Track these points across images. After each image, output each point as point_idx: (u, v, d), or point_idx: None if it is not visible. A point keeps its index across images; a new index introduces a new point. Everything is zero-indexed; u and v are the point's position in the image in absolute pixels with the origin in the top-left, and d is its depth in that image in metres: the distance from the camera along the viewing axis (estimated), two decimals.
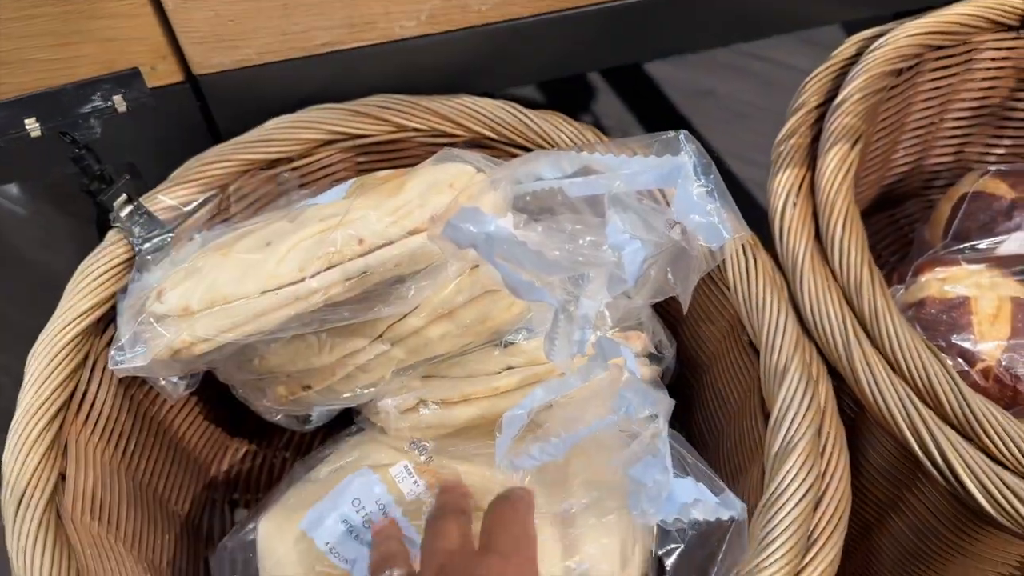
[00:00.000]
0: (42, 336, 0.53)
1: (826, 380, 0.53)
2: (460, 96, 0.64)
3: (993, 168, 0.73)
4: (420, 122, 0.63)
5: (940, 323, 0.61)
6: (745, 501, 0.47)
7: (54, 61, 0.57)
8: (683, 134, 0.47)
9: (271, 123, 0.62)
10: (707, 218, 0.45)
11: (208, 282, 0.50)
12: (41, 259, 0.71)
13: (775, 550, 0.45)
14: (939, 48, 0.69)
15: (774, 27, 0.74)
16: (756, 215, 0.58)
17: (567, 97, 1.40)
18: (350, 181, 0.60)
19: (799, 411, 0.50)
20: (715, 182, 0.47)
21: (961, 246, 0.68)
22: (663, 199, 0.54)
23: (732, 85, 1.42)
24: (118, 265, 0.56)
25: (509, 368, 0.57)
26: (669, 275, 0.49)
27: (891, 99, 0.70)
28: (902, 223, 0.84)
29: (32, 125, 0.56)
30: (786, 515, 0.46)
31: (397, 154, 0.65)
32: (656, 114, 1.40)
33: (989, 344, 0.61)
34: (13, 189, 0.95)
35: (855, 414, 0.56)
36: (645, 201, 0.48)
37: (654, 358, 0.61)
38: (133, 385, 0.58)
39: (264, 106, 0.63)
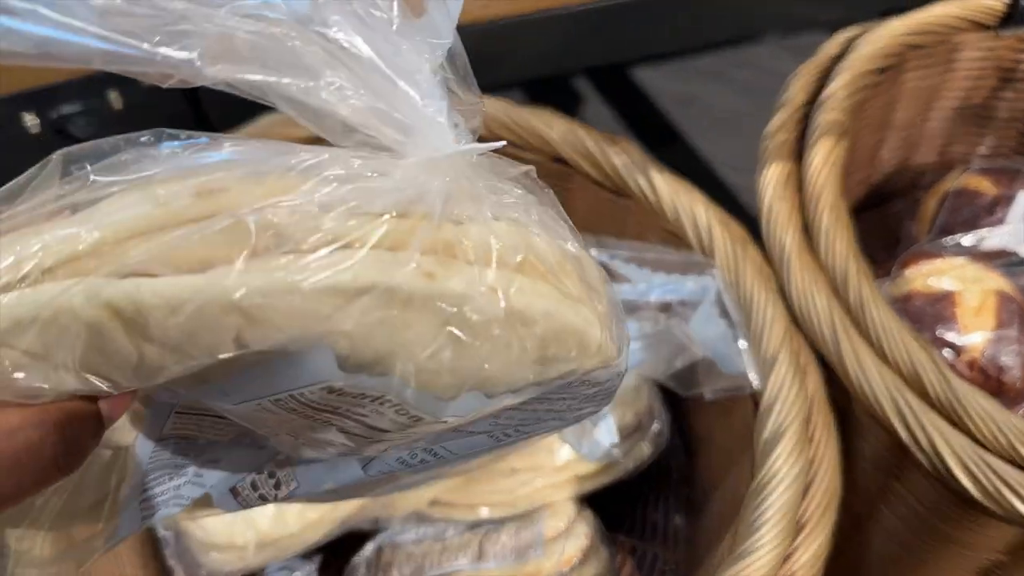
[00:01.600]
0: None
1: (815, 369, 0.54)
2: None
3: (976, 165, 0.74)
4: None
5: (925, 316, 0.62)
6: (737, 489, 0.47)
7: None
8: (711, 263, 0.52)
9: (264, 121, 0.63)
10: (728, 350, 0.50)
11: None
12: None
13: (764, 532, 0.45)
14: (920, 47, 0.70)
15: (757, 28, 0.75)
16: (740, 218, 0.60)
17: (555, 104, 1.41)
18: None
19: (787, 398, 0.50)
20: (737, 314, 0.52)
21: (945, 241, 0.69)
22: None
23: (717, 92, 1.43)
24: None
25: None
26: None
27: (875, 97, 0.71)
28: (891, 220, 0.84)
29: (32, 121, 0.56)
30: (775, 499, 0.46)
31: None
32: (643, 121, 1.40)
33: (974, 336, 0.61)
34: None
35: (845, 405, 0.57)
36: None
37: (648, 434, 0.62)
38: None
39: (258, 105, 0.63)
